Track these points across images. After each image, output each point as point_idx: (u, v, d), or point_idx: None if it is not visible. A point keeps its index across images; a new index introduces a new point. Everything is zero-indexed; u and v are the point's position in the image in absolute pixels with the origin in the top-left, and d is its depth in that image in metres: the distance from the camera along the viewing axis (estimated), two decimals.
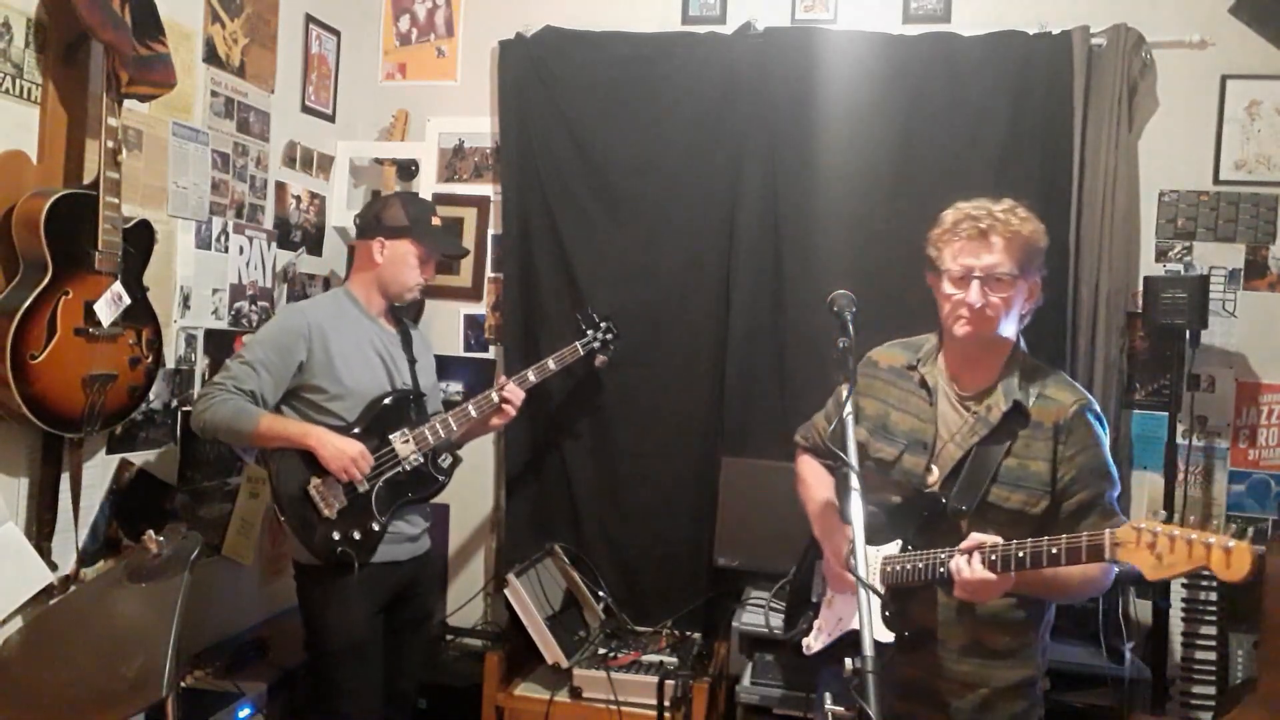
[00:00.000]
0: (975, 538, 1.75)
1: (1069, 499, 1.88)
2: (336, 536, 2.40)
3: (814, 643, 2.10)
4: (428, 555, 2.70)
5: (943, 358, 2.01)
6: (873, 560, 1.93)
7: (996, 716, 1.93)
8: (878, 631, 1.78)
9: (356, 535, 2.42)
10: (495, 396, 2.67)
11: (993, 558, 1.72)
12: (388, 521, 2.48)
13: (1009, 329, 1.89)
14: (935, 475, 1.94)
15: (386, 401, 2.52)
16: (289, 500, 2.40)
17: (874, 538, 1.91)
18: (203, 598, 2.80)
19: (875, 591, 1.57)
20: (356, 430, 2.46)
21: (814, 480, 2.18)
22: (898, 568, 1.90)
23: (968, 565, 1.73)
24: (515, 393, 2.69)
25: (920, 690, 1.94)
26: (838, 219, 3.17)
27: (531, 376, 2.79)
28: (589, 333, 3.01)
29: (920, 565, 1.86)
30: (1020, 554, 1.70)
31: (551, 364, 2.86)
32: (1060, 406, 1.89)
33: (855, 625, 1.85)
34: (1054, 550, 1.67)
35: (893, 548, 1.93)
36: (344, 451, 2.38)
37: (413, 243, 2.56)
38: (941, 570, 1.79)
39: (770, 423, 3.16)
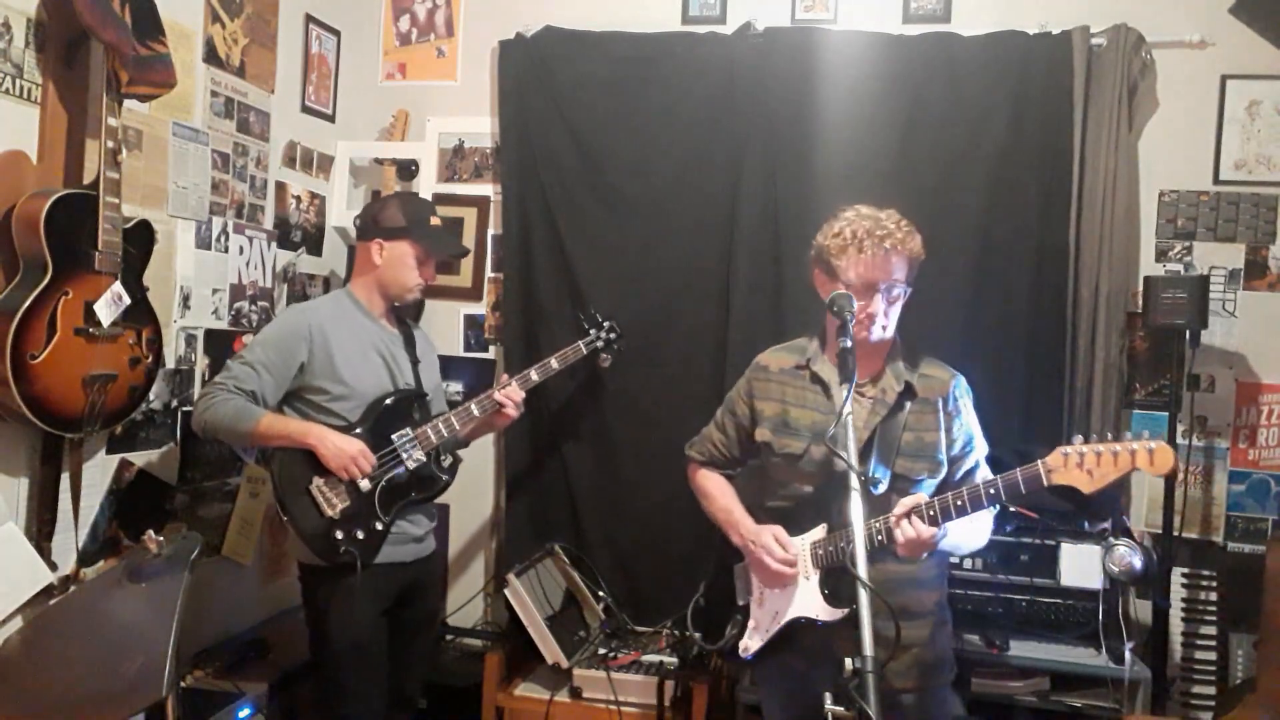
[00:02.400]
0: (906, 501, 1.92)
1: (956, 465, 2.09)
2: (339, 536, 2.40)
3: (751, 643, 2.13)
4: (433, 556, 2.69)
5: (830, 353, 2.12)
6: (798, 550, 2.05)
7: (925, 673, 2.07)
8: (823, 612, 1.97)
9: (360, 535, 2.42)
10: (497, 396, 2.66)
11: (930, 513, 1.89)
12: (391, 521, 2.48)
13: (892, 330, 2.07)
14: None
15: (388, 401, 2.52)
16: (291, 499, 2.40)
17: (796, 528, 2.06)
18: (203, 598, 2.80)
19: (873, 590, 1.58)
20: (359, 430, 2.46)
21: (717, 491, 2.29)
22: (830, 548, 2.02)
23: (910, 525, 1.89)
24: (514, 393, 2.68)
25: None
26: None
27: (534, 375, 2.78)
28: (592, 332, 3.00)
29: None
30: (959, 502, 1.87)
31: (555, 363, 2.85)
32: (941, 383, 2.09)
33: (795, 613, 2.02)
34: (991, 490, 1.86)
35: (819, 532, 2.04)
36: (344, 450, 2.38)
37: (411, 244, 2.55)
38: (879, 538, 1.92)
39: None
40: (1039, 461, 1.80)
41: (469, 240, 3.50)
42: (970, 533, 2.04)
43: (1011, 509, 2.79)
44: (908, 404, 2.05)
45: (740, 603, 2.19)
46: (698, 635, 2.31)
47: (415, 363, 2.64)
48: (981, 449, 2.12)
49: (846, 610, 1.92)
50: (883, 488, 1.99)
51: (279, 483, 2.41)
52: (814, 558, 2.04)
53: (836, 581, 1.99)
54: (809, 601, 2.01)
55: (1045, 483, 1.80)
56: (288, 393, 2.46)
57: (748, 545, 2.13)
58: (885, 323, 2.02)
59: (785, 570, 2.04)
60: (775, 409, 2.14)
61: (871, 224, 2.00)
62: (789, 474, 2.11)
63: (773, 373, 2.19)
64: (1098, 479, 1.75)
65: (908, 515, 1.89)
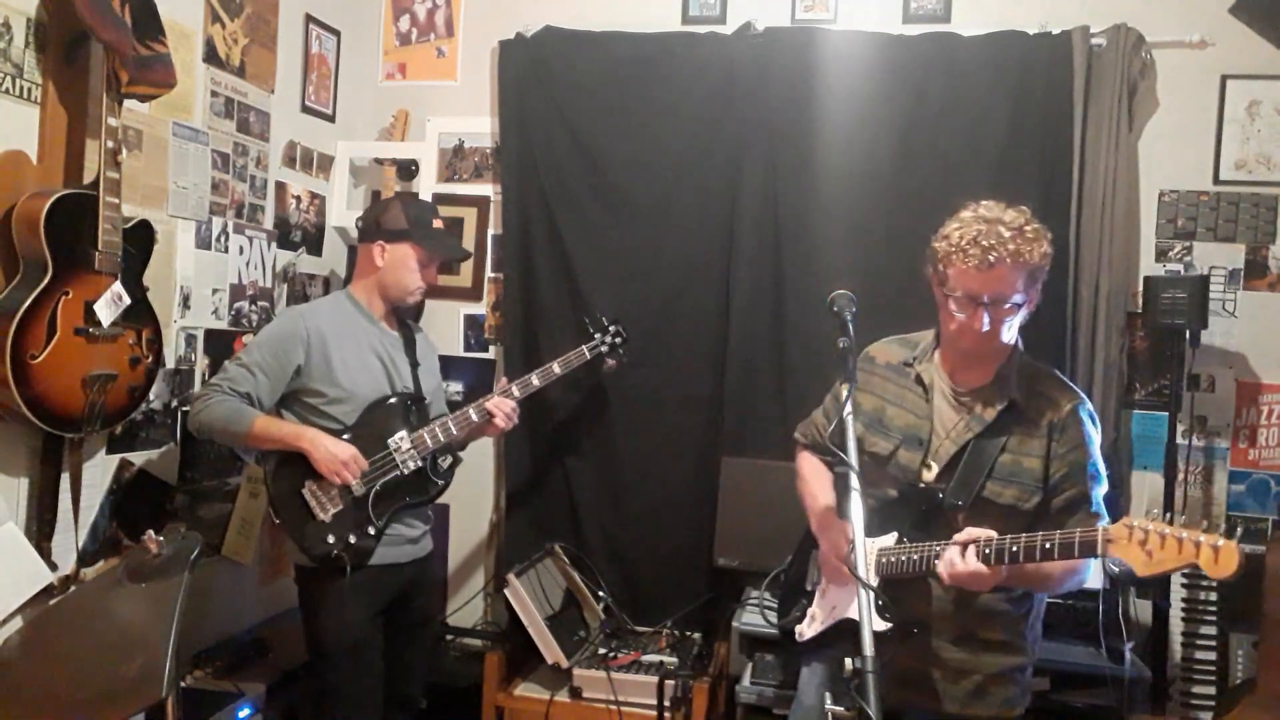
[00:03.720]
0: (970, 532, 1.78)
1: (1058, 495, 1.92)
2: (331, 539, 2.39)
3: (807, 630, 2.12)
4: (429, 558, 2.69)
5: (939, 356, 2.03)
6: (868, 552, 1.95)
7: (988, 703, 1.97)
8: (874, 622, 1.82)
9: (351, 539, 2.41)
10: (487, 405, 2.62)
11: (986, 551, 1.75)
12: (384, 525, 2.47)
13: (1010, 336, 1.93)
14: (932, 470, 1.97)
15: (385, 405, 2.51)
16: (283, 502, 2.39)
17: (870, 530, 1.93)
18: (203, 598, 2.80)
19: (872, 589, 1.58)
20: (354, 433, 2.45)
21: (813, 477, 2.20)
22: (893, 559, 1.92)
23: (960, 558, 1.76)
24: (503, 403, 2.63)
25: (914, 678, 1.96)
26: (838, 219, 3.17)
27: (535, 380, 2.76)
28: (597, 336, 2.95)
29: (916, 557, 1.88)
30: (1014, 548, 1.73)
31: (557, 368, 2.82)
32: (1055, 405, 1.92)
33: (849, 614, 1.94)
34: (1048, 545, 1.70)
35: (888, 540, 1.95)
36: (336, 455, 2.37)
37: (413, 246, 2.54)
38: (936, 562, 1.82)
39: (770, 423, 3.17)
40: (1100, 528, 1.66)
41: (469, 240, 3.50)
42: (1045, 576, 1.88)
43: None
44: (1012, 424, 1.91)
45: (808, 588, 2.17)
46: (771, 612, 2.26)
47: (415, 366, 2.63)
48: (1091, 484, 1.92)
49: (892, 625, 1.84)
50: (961, 510, 1.88)
51: (272, 486, 2.40)
52: (878, 565, 1.93)
53: (896, 592, 1.89)
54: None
55: (1099, 552, 1.66)
56: (284, 395, 2.45)
57: (819, 535, 2.09)
58: (994, 333, 1.87)
59: (839, 569, 1.98)
60: (873, 404, 2.05)
61: (984, 229, 1.83)
62: (874, 474, 2.00)
63: (879, 366, 2.09)
64: (1155, 564, 1.58)
65: (963, 546, 1.76)
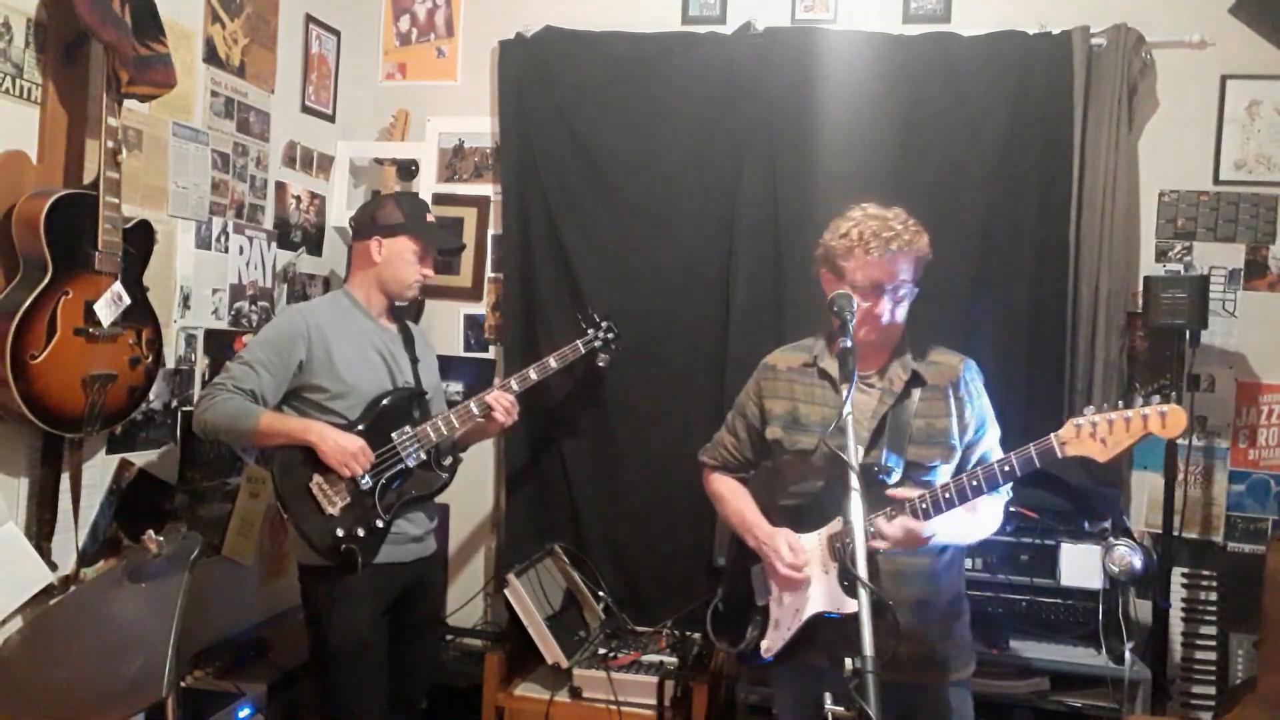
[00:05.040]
0: (899, 492, 1.94)
1: (972, 448, 2.09)
2: (340, 533, 2.40)
3: (773, 643, 2.11)
4: (434, 557, 2.69)
5: (836, 350, 2.11)
6: (815, 544, 2.04)
7: (944, 666, 2.07)
8: (845, 604, 1.93)
9: (360, 532, 2.42)
10: (488, 399, 2.64)
11: (924, 505, 1.90)
12: (391, 519, 2.48)
13: (900, 318, 2.06)
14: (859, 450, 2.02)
15: (388, 400, 2.51)
16: (291, 497, 2.39)
17: (811, 524, 2.05)
18: (203, 598, 2.80)
19: (872, 590, 1.58)
20: (359, 428, 2.45)
21: (730, 494, 2.29)
22: (847, 540, 1.93)
23: (886, 523, 1.91)
24: (502, 397, 2.65)
25: (880, 655, 1.98)
26: None
27: (533, 375, 2.78)
28: (589, 331, 3.00)
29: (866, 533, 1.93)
30: (947, 495, 1.88)
31: (553, 362, 2.85)
32: (950, 368, 2.10)
33: (816, 608, 2.00)
34: (1007, 467, 1.85)
35: (835, 525, 2.02)
36: (344, 447, 2.38)
37: (410, 239, 2.56)
38: (871, 530, 1.91)
39: None
40: (1051, 435, 1.80)
41: (469, 240, 3.50)
42: (972, 523, 2.03)
43: (1012, 509, 2.79)
44: (916, 391, 2.05)
45: (759, 603, 2.17)
46: (720, 641, 2.28)
47: (414, 361, 2.64)
48: (994, 432, 2.12)
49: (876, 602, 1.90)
50: (896, 476, 1.99)
51: (279, 481, 2.40)
52: (831, 551, 2.02)
53: (849, 575, 1.96)
54: (828, 596, 2.00)
55: (1059, 454, 1.79)
56: (287, 392, 2.46)
57: (762, 548, 2.11)
58: (895, 320, 2.03)
59: (793, 575, 2.03)
60: (785, 407, 2.15)
61: (879, 224, 2.00)
62: (801, 471, 2.11)
63: (781, 371, 2.20)
64: (1112, 446, 1.74)
65: (887, 513, 1.90)
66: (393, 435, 2.49)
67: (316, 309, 2.57)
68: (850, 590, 1.93)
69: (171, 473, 2.74)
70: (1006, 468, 1.85)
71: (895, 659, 1.95)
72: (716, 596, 2.33)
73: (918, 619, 2.00)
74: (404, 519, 2.53)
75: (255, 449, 2.46)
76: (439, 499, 2.67)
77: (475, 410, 2.62)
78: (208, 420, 2.36)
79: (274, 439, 2.40)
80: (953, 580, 2.14)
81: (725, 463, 2.33)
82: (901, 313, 2.05)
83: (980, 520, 2.06)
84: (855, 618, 1.82)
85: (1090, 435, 1.75)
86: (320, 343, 2.46)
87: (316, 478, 2.40)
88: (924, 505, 1.91)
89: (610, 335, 3.03)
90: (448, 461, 2.63)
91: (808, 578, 2.03)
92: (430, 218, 2.65)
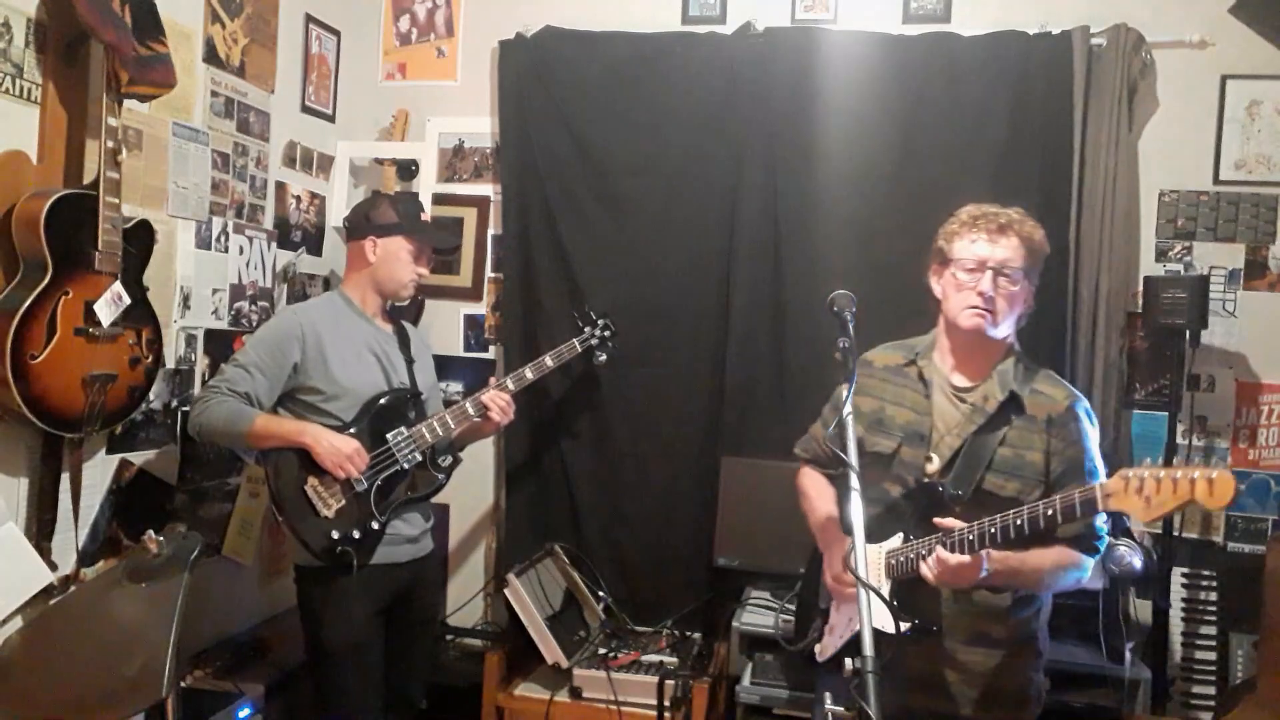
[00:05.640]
0: (946, 522, 1.82)
1: (1058, 491, 1.90)
2: (335, 535, 2.40)
3: (827, 647, 2.09)
4: (430, 557, 2.69)
5: (938, 353, 2.06)
6: (876, 557, 1.96)
7: (1002, 704, 1.98)
8: (887, 624, 1.81)
9: (356, 534, 2.42)
10: (483, 399, 2.64)
11: (970, 537, 1.77)
12: (387, 520, 2.48)
13: (1007, 328, 1.96)
14: (935, 464, 1.98)
15: (383, 401, 2.51)
16: (286, 499, 2.40)
17: (877, 533, 1.95)
18: (203, 598, 2.79)
19: (874, 590, 1.57)
20: (354, 429, 2.45)
21: (815, 493, 2.22)
22: (901, 559, 1.93)
23: (941, 553, 1.79)
24: (498, 396, 2.65)
25: (929, 681, 1.97)
26: (838, 219, 3.17)
27: (529, 374, 2.79)
28: (586, 330, 3.01)
29: (913, 556, 1.89)
30: (993, 529, 1.75)
31: (549, 361, 2.86)
32: (1053, 402, 1.95)
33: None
34: (1049, 511, 1.72)
35: (896, 540, 1.96)
36: (339, 449, 2.38)
37: (405, 238, 2.56)
38: (909, 565, 1.85)
39: (770, 422, 3.16)
40: (1096, 485, 1.67)
41: (469, 240, 3.50)
42: (1042, 574, 1.89)
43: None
44: (1012, 418, 1.93)
45: (823, 606, 2.15)
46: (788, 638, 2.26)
47: (410, 362, 2.63)
48: (1093, 481, 1.89)
49: (909, 624, 1.85)
50: (960, 501, 1.88)
51: (274, 483, 2.40)
52: (887, 568, 1.95)
53: (907, 593, 1.90)
54: (878, 611, 1.98)
55: (1100, 507, 1.67)
56: (282, 394, 2.46)
57: (825, 555, 2.09)
58: (1000, 306, 1.91)
59: (839, 589, 2.00)
60: (872, 405, 2.07)
61: (991, 210, 1.97)
62: (878, 475, 2.01)
63: (876, 368, 2.11)
64: (1154, 508, 1.58)
65: (942, 542, 1.80)
66: (388, 436, 2.49)
67: (311, 310, 2.57)
68: (898, 612, 1.84)
69: (171, 473, 2.74)
70: (1050, 512, 1.72)
71: (949, 691, 1.94)
72: (792, 591, 2.29)
73: (977, 652, 1.95)
74: (400, 520, 2.53)
75: (254, 450, 2.46)
76: (438, 499, 2.67)
77: (471, 410, 2.62)
78: (203, 424, 2.36)
79: (269, 441, 2.39)
80: (1024, 621, 2.00)
81: (816, 456, 2.26)
82: (1006, 313, 1.93)
83: (1053, 574, 1.90)
84: (903, 637, 1.80)
85: (1137, 491, 1.59)
86: (315, 344, 2.45)
87: (312, 480, 2.40)
88: (970, 538, 1.79)
89: (607, 333, 3.03)
90: (445, 462, 2.63)
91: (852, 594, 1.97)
92: (425, 216, 2.65)
